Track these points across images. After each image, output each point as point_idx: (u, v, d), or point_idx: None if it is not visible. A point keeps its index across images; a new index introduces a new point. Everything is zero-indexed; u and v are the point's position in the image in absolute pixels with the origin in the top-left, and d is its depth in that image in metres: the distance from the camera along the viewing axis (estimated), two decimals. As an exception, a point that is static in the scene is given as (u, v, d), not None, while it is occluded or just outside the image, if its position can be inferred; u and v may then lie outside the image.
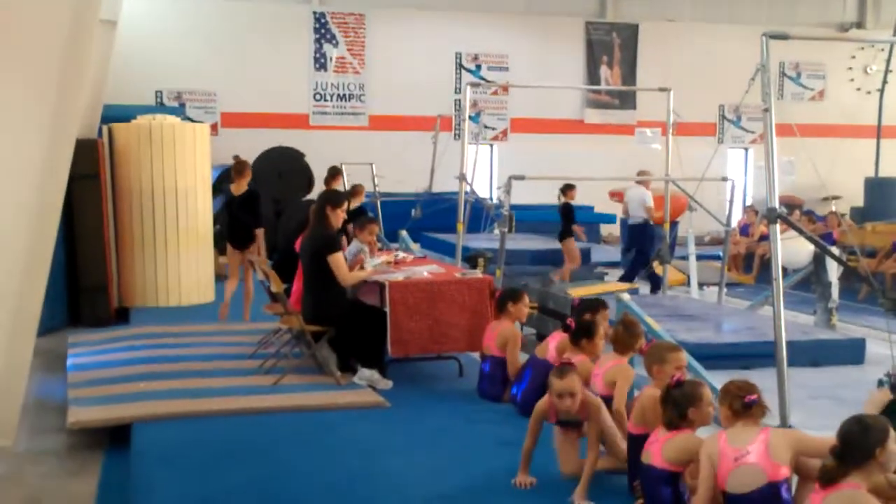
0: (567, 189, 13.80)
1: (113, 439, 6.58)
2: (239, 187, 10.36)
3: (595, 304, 6.96)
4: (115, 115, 12.25)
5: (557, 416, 5.37)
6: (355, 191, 13.11)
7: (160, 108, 19.10)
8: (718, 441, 4.34)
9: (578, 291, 10.57)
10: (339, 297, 7.72)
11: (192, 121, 14.56)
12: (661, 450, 4.62)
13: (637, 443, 4.96)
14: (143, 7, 19.07)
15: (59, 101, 6.13)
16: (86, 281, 10.53)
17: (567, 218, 13.77)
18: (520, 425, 6.51)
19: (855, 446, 3.78)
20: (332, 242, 7.64)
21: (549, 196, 19.62)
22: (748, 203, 20.47)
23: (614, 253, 17.88)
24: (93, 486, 5.87)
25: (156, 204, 10.85)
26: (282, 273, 8.17)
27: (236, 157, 11.55)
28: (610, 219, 20.31)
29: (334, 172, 13.41)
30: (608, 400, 5.69)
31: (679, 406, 4.60)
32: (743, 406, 4.35)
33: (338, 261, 7.55)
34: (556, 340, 6.89)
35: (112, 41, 11.80)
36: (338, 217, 7.80)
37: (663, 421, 4.67)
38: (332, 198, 7.90)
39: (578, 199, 20.32)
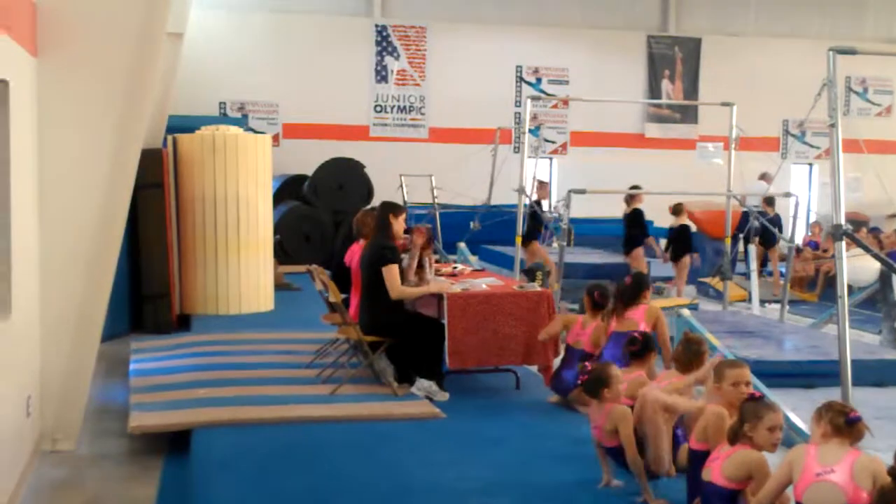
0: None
1: (173, 445, 6.65)
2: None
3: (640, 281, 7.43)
4: (180, 125, 12.44)
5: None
6: (678, 210, 13.36)
7: (223, 118, 19.34)
8: (807, 453, 4.25)
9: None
10: (396, 309, 7.72)
11: (255, 132, 14.74)
12: (721, 467, 4.55)
13: (698, 459, 4.88)
14: (208, 20, 19.34)
15: (126, 112, 6.26)
16: (148, 288, 10.67)
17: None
18: (578, 440, 6.48)
19: None
20: (389, 254, 7.63)
21: (608, 209, 19.53)
22: (812, 220, 20.15)
23: (671, 268, 17.69)
24: (152, 491, 5.93)
25: (218, 213, 10.98)
26: (338, 283, 8.22)
27: (540, 180, 13.82)
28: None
29: (635, 194, 13.73)
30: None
31: (741, 419, 4.55)
32: (846, 422, 4.22)
33: (391, 273, 7.54)
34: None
35: (178, 53, 12.02)
36: (400, 225, 7.83)
37: (728, 434, 4.61)
38: (393, 207, 7.92)
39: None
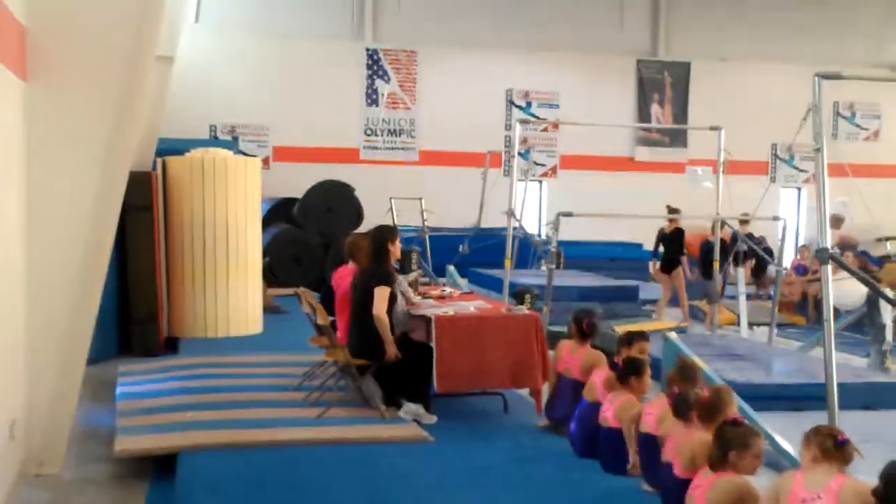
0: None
1: (158, 469, 6.61)
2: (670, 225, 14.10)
3: (632, 337, 6.94)
4: (170, 148, 12.44)
5: None
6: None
7: (214, 141, 19.35)
8: (793, 479, 4.23)
9: (626, 329, 10.47)
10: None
11: (245, 154, 14.74)
12: (704, 495, 4.53)
13: (685, 488, 4.85)
14: (199, 43, 19.38)
15: (114, 135, 6.26)
16: (136, 311, 10.64)
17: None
18: (565, 464, 6.47)
19: None
20: (387, 277, 7.66)
21: (596, 233, 19.58)
22: (801, 243, 20.21)
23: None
24: (137, 515, 5.90)
25: (206, 236, 10.98)
26: (328, 306, 8.21)
27: (668, 206, 14.24)
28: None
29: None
30: (657, 439, 5.64)
31: (724, 445, 4.53)
32: (835, 445, 4.20)
33: (382, 293, 7.53)
34: (600, 379, 6.81)
35: (168, 76, 12.04)
36: (396, 248, 7.84)
37: (709, 459, 4.60)
38: (390, 232, 7.93)
39: (626, 236, 20.35)
